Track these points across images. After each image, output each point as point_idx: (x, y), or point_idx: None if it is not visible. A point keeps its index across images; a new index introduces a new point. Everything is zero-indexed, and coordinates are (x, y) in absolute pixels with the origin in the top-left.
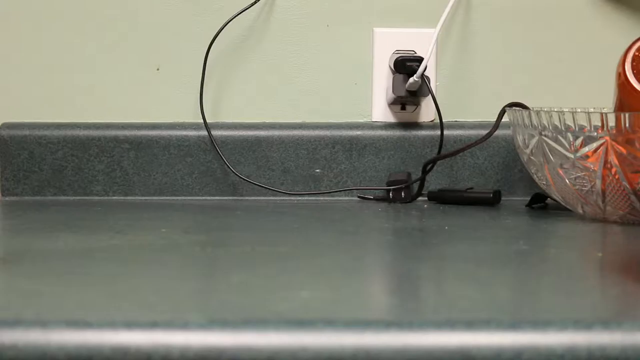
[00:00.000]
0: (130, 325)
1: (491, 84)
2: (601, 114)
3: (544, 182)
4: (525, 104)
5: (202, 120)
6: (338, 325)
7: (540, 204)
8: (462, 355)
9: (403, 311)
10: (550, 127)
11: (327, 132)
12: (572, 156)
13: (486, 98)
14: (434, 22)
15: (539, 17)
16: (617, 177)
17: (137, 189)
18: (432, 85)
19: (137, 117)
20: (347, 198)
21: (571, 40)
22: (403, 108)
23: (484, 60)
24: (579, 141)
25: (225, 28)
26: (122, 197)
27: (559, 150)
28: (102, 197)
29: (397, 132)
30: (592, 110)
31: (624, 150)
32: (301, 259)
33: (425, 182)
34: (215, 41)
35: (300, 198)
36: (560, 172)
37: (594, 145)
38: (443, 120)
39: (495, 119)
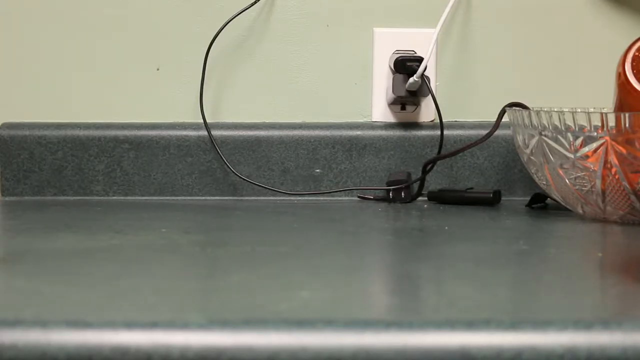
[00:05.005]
0: (130, 325)
1: (491, 84)
2: (601, 114)
3: (544, 182)
4: (525, 104)
5: (202, 120)
6: (338, 325)
7: (540, 204)
8: (462, 355)
9: (403, 311)
10: (550, 127)
11: (327, 132)
12: (572, 156)
13: (486, 98)
14: (434, 22)
15: (538, 17)
16: (617, 177)
17: (137, 189)
18: (432, 85)
19: (137, 117)
20: (347, 198)
21: (571, 40)
22: (403, 108)
23: (484, 60)
24: (579, 141)
25: (225, 28)
26: (122, 197)
27: (559, 150)
28: (102, 197)
29: (397, 132)
30: (592, 110)
31: (624, 150)
32: (301, 259)
33: (425, 182)
34: (215, 41)
35: (300, 198)
36: (560, 172)
37: (594, 145)
38: (443, 120)
39: (495, 119)
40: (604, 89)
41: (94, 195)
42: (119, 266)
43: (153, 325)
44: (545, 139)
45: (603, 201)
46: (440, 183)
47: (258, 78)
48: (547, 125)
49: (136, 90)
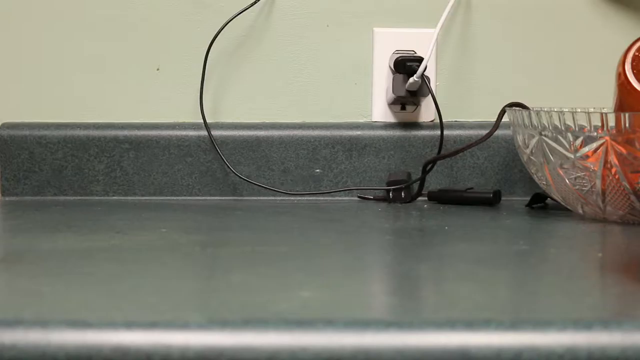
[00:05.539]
0: (130, 325)
1: (491, 84)
2: (601, 114)
3: (544, 182)
4: (525, 104)
5: (202, 120)
6: (338, 325)
7: (540, 204)
8: (462, 355)
9: (403, 311)
10: (550, 127)
11: (327, 132)
12: (572, 156)
13: (486, 98)
14: (434, 22)
15: (539, 17)
16: (617, 177)
17: (137, 189)
18: (432, 85)
19: (137, 117)
20: (347, 198)
21: (571, 40)
22: (403, 108)
23: (484, 60)
24: (579, 141)
25: (225, 28)
26: (122, 197)
27: (559, 150)
28: (102, 197)
29: (397, 132)
30: (592, 110)
31: (624, 150)
32: (301, 259)
33: (425, 182)
34: (215, 41)
35: (300, 198)
36: (560, 172)
37: (594, 145)
38: (443, 120)
39: (495, 119)
40: (604, 89)
41: (94, 195)
42: (119, 266)
43: (153, 325)
44: (545, 139)
45: (603, 201)
46: (440, 183)
47: (258, 78)
48: (547, 125)
49: (136, 90)
